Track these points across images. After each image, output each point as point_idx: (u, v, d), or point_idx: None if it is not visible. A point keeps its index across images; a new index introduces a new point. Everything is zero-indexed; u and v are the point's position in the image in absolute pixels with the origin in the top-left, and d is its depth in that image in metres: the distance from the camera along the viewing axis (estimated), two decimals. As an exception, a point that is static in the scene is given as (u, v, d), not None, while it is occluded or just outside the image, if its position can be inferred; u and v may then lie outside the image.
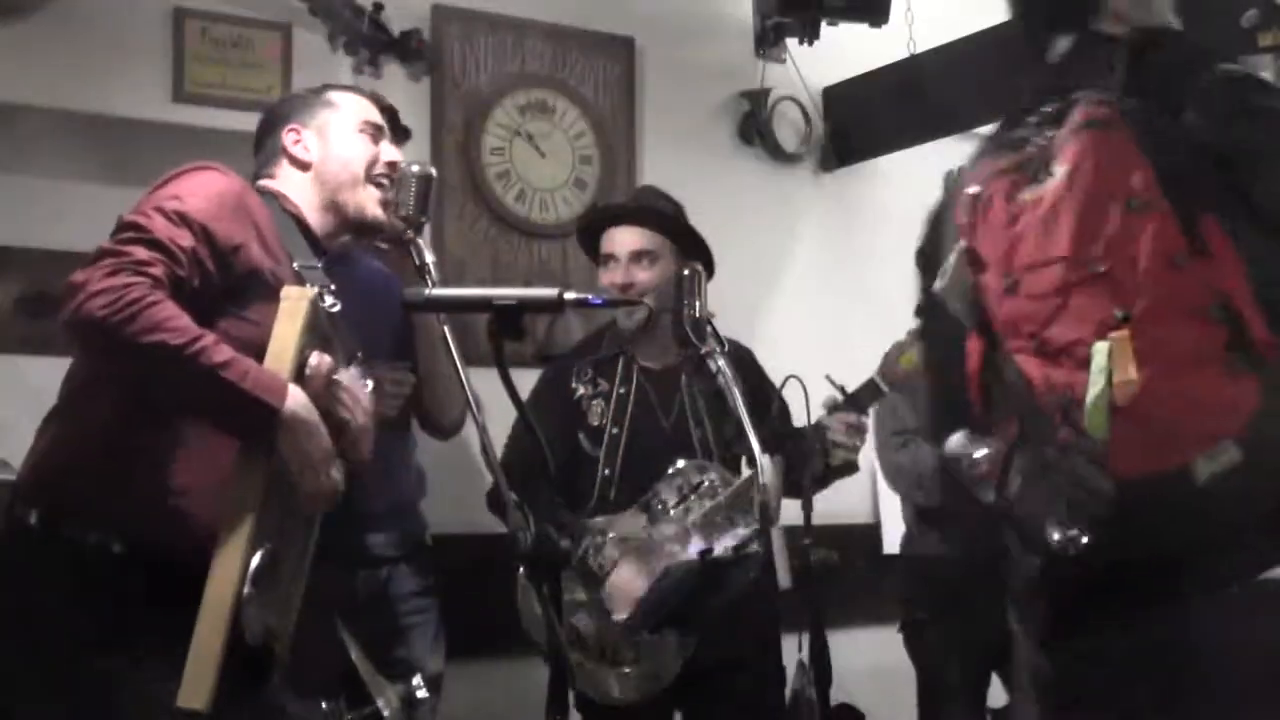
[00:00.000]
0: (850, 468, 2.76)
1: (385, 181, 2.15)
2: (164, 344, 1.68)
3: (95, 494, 1.79)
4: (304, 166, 2.13)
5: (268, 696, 1.92)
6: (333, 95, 2.20)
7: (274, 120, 2.19)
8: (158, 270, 1.74)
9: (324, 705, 2.11)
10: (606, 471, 2.75)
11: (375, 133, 2.18)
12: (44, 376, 1.98)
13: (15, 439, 1.97)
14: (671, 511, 2.65)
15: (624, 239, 2.82)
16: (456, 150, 3.67)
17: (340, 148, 2.14)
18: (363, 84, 3.23)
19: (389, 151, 2.18)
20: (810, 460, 2.67)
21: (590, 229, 2.94)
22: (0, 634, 1.80)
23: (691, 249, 2.84)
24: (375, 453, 2.54)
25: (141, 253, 1.74)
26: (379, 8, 3.41)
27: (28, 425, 1.93)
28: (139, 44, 3.24)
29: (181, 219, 1.81)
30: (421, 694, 2.34)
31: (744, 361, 2.89)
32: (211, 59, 3.32)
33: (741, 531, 2.56)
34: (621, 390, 2.80)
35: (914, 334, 2.71)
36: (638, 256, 2.80)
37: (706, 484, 2.66)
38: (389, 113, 2.49)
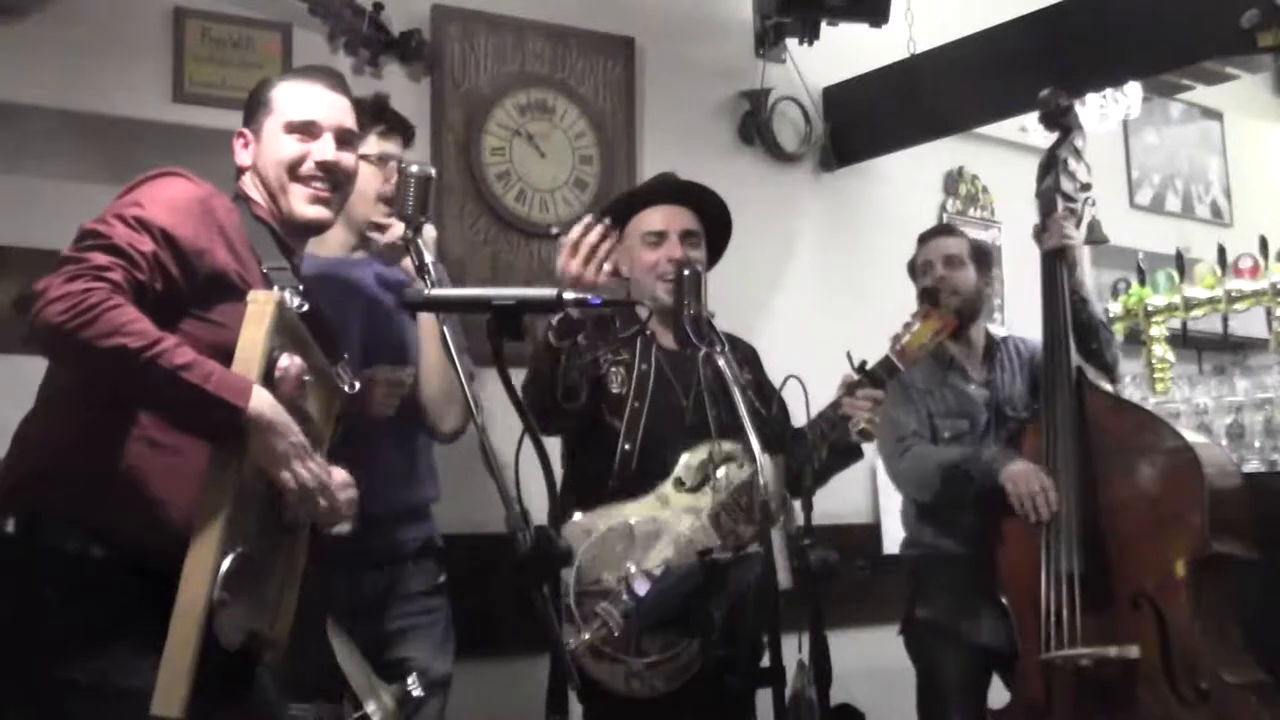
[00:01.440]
0: (857, 450, 2.76)
1: (318, 176, 2.07)
2: (123, 347, 1.68)
3: (74, 500, 1.78)
4: (247, 170, 2.10)
5: (257, 701, 1.91)
6: (273, 93, 2.11)
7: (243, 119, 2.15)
8: (117, 275, 1.73)
9: (320, 708, 2.10)
10: (627, 446, 2.70)
11: (304, 131, 2.07)
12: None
13: (14, 439, 1.97)
14: (696, 492, 2.64)
15: (677, 218, 2.82)
16: (456, 150, 3.67)
17: (269, 150, 2.08)
18: (363, 84, 3.25)
19: (322, 150, 2.07)
20: (811, 458, 2.66)
21: (632, 207, 2.89)
22: None
23: (718, 243, 2.88)
24: (387, 453, 2.56)
25: (100, 258, 1.74)
26: (379, 8, 3.41)
27: (27, 426, 1.92)
28: (139, 44, 3.24)
29: (141, 224, 1.80)
30: (416, 693, 2.33)
31: (749, 358, 2.90)
32: (211, 59, 3.31)
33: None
34: (643, 366, 2.77)
35: (918, 314, 2.75)
36: (688, 235, 2.80)
37: (728, 464, 2.65)
38: (376, 108, 2.48)
